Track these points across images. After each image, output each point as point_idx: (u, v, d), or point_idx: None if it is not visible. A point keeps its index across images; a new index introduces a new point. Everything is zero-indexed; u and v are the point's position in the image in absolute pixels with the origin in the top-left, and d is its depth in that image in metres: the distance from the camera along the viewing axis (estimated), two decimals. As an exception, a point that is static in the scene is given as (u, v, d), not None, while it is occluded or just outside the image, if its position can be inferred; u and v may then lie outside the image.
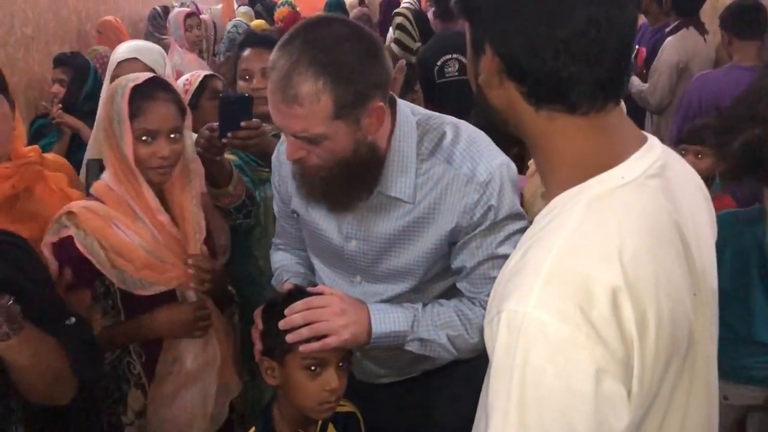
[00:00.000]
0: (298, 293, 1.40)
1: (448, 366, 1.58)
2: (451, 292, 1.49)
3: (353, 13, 6.45)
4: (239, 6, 7.64)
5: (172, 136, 1.67)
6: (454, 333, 1.41)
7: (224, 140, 1.87)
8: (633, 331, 0.76)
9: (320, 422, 1.45)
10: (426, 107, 1.54)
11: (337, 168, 1.34)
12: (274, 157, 1.65)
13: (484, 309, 1.38)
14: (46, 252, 1.63)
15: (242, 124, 1.88)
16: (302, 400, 1.37)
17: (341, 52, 1.24)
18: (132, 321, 1.69)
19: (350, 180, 1.36)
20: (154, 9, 5.51)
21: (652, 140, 0.90)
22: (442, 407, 1.62)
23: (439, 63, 4.23)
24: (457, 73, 4.18)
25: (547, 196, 0.90)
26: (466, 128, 1.44)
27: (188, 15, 4.91)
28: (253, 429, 1.44)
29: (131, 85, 1.65)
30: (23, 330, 1.22)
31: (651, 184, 0.85)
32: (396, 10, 5.68)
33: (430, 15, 5.16)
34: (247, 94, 1.99)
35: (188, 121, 1.75)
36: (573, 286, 0.76)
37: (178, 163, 1.72)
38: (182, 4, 5.87)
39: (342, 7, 6.71)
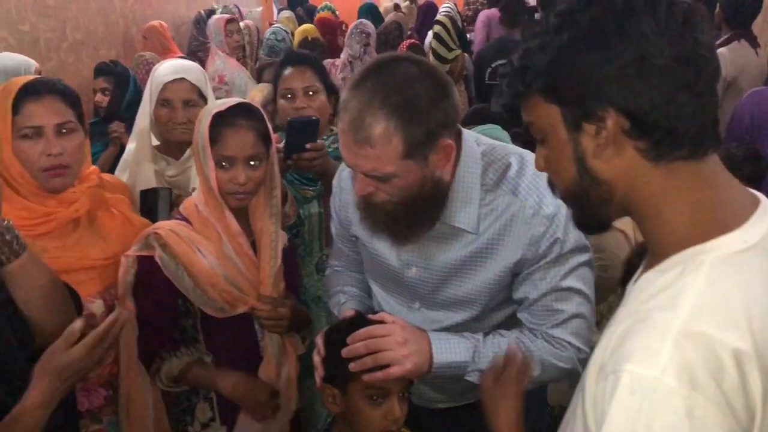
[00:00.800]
0: (359, 320, 1.41)
1: None
2: (512, 321, 1.49)
3: (387, 18, 6.44)
4: (280, 10, 7.69)
5: (251, 163, 1.69)
6: None
7: (290, 161, 1.90)
8: (758, 401, 0.75)
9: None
10: (470, 103, 1.55)
11: (402, 203, 1.35)
12: (335, 181, 1.66)
13: (546, 341, 1.40)
14: (126, 264, 1.69)
15: (308, 146, 1.92)
16: (364, 428, 1.38)
17: (412, 94, 1.25)
18: (208, 374, 1.73)
19: (414, 214, 1.37)
20: (199, 13, 5.57)
21: (764, 200, 0.89)
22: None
23: (493, 65, 4.50)
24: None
25: (655, 255, 0.89)
26: (531, 159, 1.43)
27: (228, 21, 4.96)
28: (312, 453, 1.46)
29: (214, 111, 1.69)
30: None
31: None
32: (436, 17, 5.67)
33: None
34: (313, 117, 2.02)
35: (272, 147, 1.77)
36: (703, 353, 0.75)
37: (259, 189, 1.75)
38: (225, 8, 5.93)
39: (375, 13, 6.71)
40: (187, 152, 2.15)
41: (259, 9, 7.18)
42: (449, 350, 1.39)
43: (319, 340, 1.44)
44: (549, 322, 1.40)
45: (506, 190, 1.39)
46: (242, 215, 1.77)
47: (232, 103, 1.73)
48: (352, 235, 1.60)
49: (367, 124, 1.24)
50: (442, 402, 1.62)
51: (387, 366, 1.33)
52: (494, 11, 6.43)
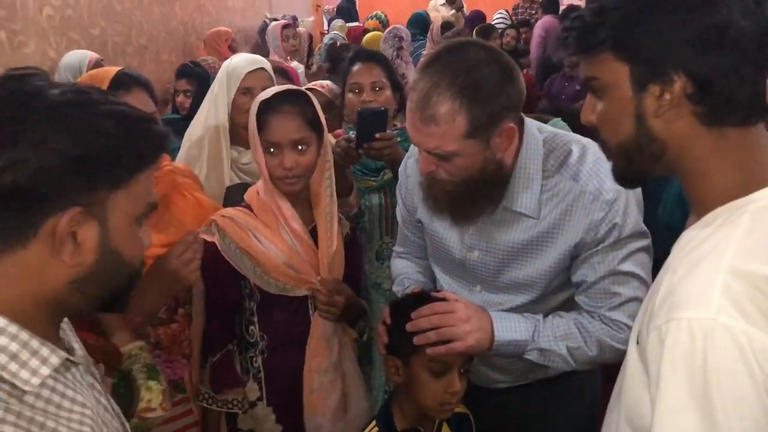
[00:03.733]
0: (424, 297, 1.48)
1: (562, 376, 1.61)
2: (570, 304, 1.54)
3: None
4: (330, 20, 7.85)
5: (299, 147, 1.72)
6: (573, 345, 1.45)
7: (361, 150, 1.98)
8: None
9: (437, 421, 1.52)
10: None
11: (463, 183, 1.41)
12: (401, 169, 1.73)
13: (603, 323, 1.44)
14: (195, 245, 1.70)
15: (377, 135, 1.99)
16: (424, 399, 1.44)
17: (479, 76, 1.31)
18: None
19: (475, 195, 1.43)
20: (264, 22, 5.75)
21: None
22: (553, 416, 1.67)
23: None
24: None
25: (698, 212, 0.95)
26: (593, 147, 1.48)
27: (285, 26, 5.14)
28: (374, 422, 1.52)
29: (261, 99, 1.74)
30: None
31: None
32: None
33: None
34: (383, 108, 2.08)
35: (325, 132, 1.79)
36: (752, 291, 0.80)
37: (310, 174, 1.77)
38: (283, 17, 6.10)
39: (425, 22, 6.80)
40: None
41: (311, 18, 7.35)
42: (510, 328, 1.44)
43: (386, 311, 1.51)
44: (606, 305, 1.45)
45: (567, 176, 1.44)
46: (304, 202, 1.81)
47: (275, 91, 1.76)
48: (417, 221, 1.67)
49: (433, 103, 1.31)
50: (501, 383, 1.67)
51: (450, 341, 1.39)
52: (551, 20, 6.49)
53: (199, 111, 2.41)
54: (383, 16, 6.92)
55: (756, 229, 0.85)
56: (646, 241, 1.45)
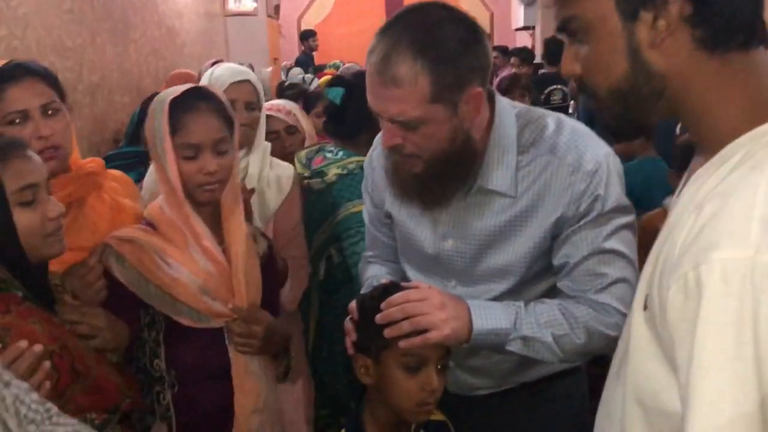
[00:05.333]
0: (394, 288, 1.34)
1: (546, 380, 1.49)
2: (551, 295, 1.42)
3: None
4: (288, 68, 7.84)
5: (220, 150, 1.54)
6: (559, 332, 1.32)
7: None
8: None
9: (413, 428, 1.37)
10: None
11: (431, 160, 1.31)
12: (366, 163, 1.62)
13: (590, 308, 1.33)
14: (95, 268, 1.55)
15: None
16: (399, 400, 1.29)
17: (441, 35, 1.23)
18: None
19: (444, 174, 1.33)
20: (208, 63, 5.69)
21: None
22: (539, 423, 1.53)
23: (546, 92, 5.51)
24: (560, 101, 5.59)
25: (708, 150, 0.84)
26: (568, 120, 1.40)
27: (213, 63, 5.08)
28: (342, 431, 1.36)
29: (170, 99, 1.53)
30: None
31: None
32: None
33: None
34: None
35: (236, 133, 1.61)
36: None
37: (228, 182, 1.59)
38: (240, 65, 6.05)
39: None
40: (243, 150, 2.04)
41: (269, 69, 7.33)
42: (489, 316, 1.31)
43: (352, 307, 1.37)
44: (592, 287, 1.33)
45: (544, 149, 1.35)
46: (210, 217, 1.60)
47: (184, 88, 1.56)
48: (386, 215, 1.55)
49: (393, 63, 1.21)
50: (483, 388, 1.53)
51: (425, 331, 1.26)
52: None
53: None
54: (341, 64, 6.95)
55: None
56: (630, 217, 1.35)
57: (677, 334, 0.75)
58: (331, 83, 2.28)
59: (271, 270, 1.75)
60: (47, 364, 1.16)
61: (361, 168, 2.03)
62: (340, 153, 2.10)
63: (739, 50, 0.82)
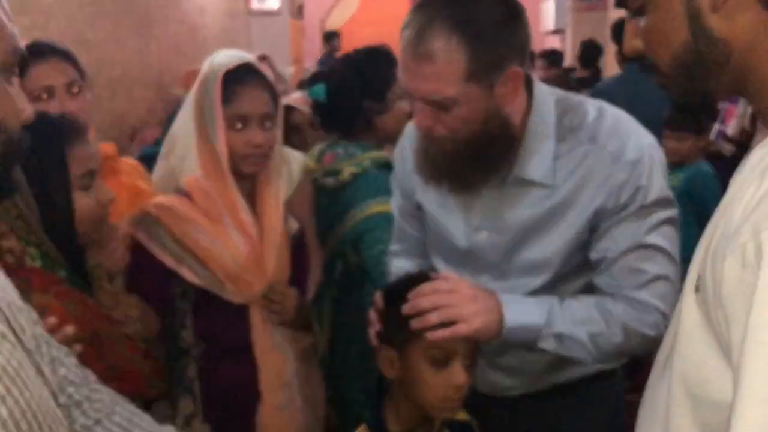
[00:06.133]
0: (422, 277, 1.28)
1: (581, 382, 1.42)
2: (587, 293, 1.34)
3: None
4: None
5: (266, 124, 1.57)
6: (595, 330, 1.25)
7: None
8: None
9: (437, 426, 1.30)
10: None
11: (464, 141, 1.24)
12: (397, 152, 1.56)
13: (628, 305, 1.25)
14: (122, 239, 1.55)
15: None
16: (424, 395, 1.22)
17: (479, 11, 1.17)
18: None
19: (477, 157, 1.26)
20: None
21: None
22: (571, 427, 1.45)
23: None
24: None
25: None
26: (610, 107, 1.33)
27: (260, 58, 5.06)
28: (363, 426, 1.29)
29: (223, 70, 1.56)
30: None
31: None
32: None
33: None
34: None
35: (280, 111, 1.65)
36: None
37: (271, 156, 1.62)
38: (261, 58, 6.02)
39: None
40: None
41: (291, 69, 7.31)
42: (522, 311, 1.24)
43: (378, 295, 1.31)
44: (631, 284, 1.26)
45: (584, 138, 1.28)
46: (250, 192, 1.63)
47: (238, 62, 1.59)
48: (416, 206, 1.49)
49: (427, 38, 1.16)
50: (514, 389, 1.45)
51: (453, 323, 1.19)
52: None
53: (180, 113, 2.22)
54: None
55: None
56: (673, 211, 1.27)
57: (732, 310, 0.69)
58: (311, 81, 2.23)
59: (302, 253, 1.75)
60: (78, 347, 1.15)
61: (377, 166, 1.97)
62: (351, 148, 2.03)
63: None
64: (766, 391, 0.64)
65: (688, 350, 0.79)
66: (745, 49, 0.77)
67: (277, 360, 1.62)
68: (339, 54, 8.89)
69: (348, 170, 2.01)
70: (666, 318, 1.25)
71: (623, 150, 1.24)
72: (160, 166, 2.18)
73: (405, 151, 1.51)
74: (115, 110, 4.12)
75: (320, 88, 2.12)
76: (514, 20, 1.20)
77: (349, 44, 9.76)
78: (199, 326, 1.58)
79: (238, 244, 1.57)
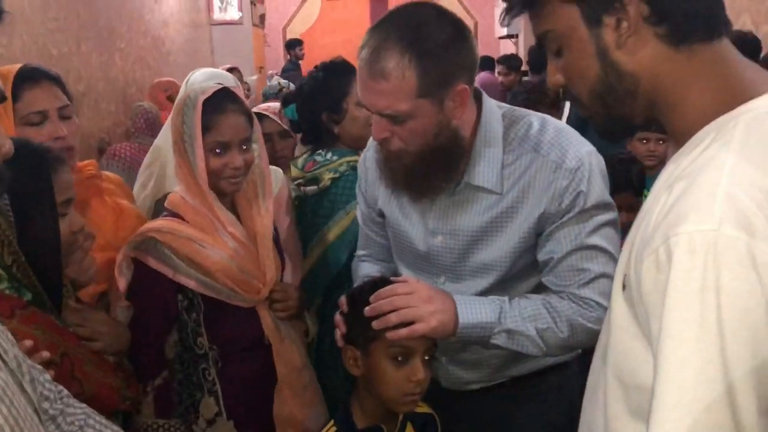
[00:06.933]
0: (383, 282, 1.38)
1: (538, 374, 1.53)
2: (536, 291, 1.45)
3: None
4: (270, 76, 7.88)
5: (243, 146, 1.68)
6: (542, 326, 1.36)
7: None
8: None
9: (400, 419, 1.39)
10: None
11: (419, 154, 1.35)
12: (360, 163, 1.67)
13: (573, 302, 1.36)
14: (121, 266, 1.64)
15: None
16: (386, 390, 1.32)
17: (429, 32, 1.28)
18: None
19: (432, 167, 1.37)
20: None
21: None
22: (529, 417, 1.55)
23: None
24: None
25: (681, 142, 0.88)
26: (552, 119, 1.44)
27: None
28: (332, 422, 1.39)
29: (202, 98, 1.65)
30: None
31: None
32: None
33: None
34: None
35: (257, 131, 1.76)
36: (756, 198, 0.73)
37: (250, 172, 1.73)
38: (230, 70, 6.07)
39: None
40: None
41: (255, 77, 7.36)
42: (475, 310, 1.34)
43: (343, 299, 1.40)
44: (575, 282, 1.37)
45: (528, 147, 1.39)
46: (231, 204, 1.74)
47: (214, 89, 1.68)
48: (379, 213, 1.59)
49: (382, 57, 1.26)
50: (474, 383, 1.55)
51: (411, 323, 1.29)
52: (487, 76, 6.73)
53: (163, 128, 2.30)
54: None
55: (752, 138, 0.79)
56: (612, 214, 1.39)
57: (651, 308, 0.79)
58: (284, 103, 2.40)
59: (279, 251, 1.87)
60: (51, 372, 1.19)
61: (353, 169, 2.07)
62: (329, 154, 2.14)
63: (703, 42, 0.86)
64: (678, 378, 0.74)
65: (619, 341, 0.89)
66: (651, 78, 0.88)
67: (289, 349, 1.75)
68: (302, 62, 8.97)
69: (327, 176, 2.12)
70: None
71: (564, 158, 1.36)
72: (141, 175, 2.26)
73: (367, 161, 1.62)
74: (81, 124, 4.13)
75: (291, 108, 2.29)
76: (462, 40, 1.31)
77: (310, 52, 9.86)
78: (212, 332, 1.68)
79: (237, 251, 1.68)
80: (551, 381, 1.55)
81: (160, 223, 1.68)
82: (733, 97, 0.84)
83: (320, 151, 2.18)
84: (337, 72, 2.18)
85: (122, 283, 1.65)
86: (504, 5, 0.99)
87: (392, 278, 1.40)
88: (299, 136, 2.62)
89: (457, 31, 1.30)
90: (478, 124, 1.40)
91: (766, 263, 0.71)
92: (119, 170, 3.41)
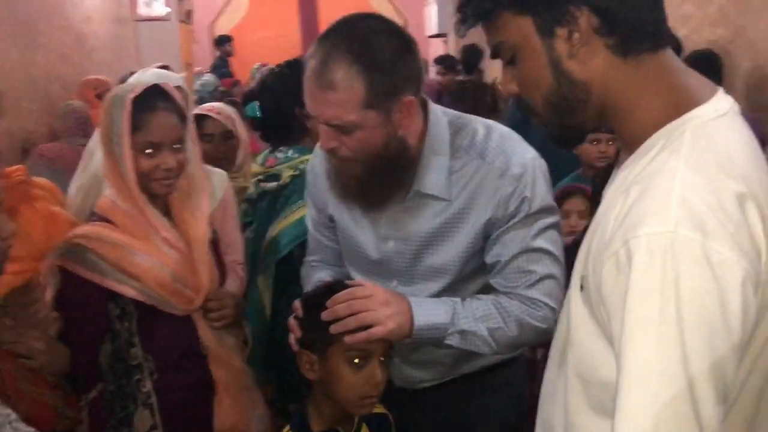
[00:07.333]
0: (338, 286, 1.40)
1: (487, 370, 1.58)
2: (485, 292, 1.50)
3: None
4: (197, 75, 7.74)
5: (175, 146, 1.62)
6: (493, 325, 1.41)
7: None
8: (761, 238, 0.80)
9: (356, 421, 1.42)
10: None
11: (368, 165, 1.37)
12: (309, 168, 1.68)
13: (521, 302, 1.42)
14: (46, 274, 1.59)
15: None
16: (344, 394, 1.34)
17: (376, 44, 1.30)
18: None
19: (382, 177, 1.39)
20: (125, 75, 5.54)
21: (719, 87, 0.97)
22: (480, 411, 1.61)
23: None
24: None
25: (632, 147, 0.94)
26: (497, 126, 1.49)
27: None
28: (288, 427, 1.40)
29: (131, 96, 1.58)
30: None
31: (738, 119, 0.92)
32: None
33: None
34: None
35: (192, 130, 1.72)
36: (708, 201, 0.79)
37: (182, 175, 1.67)
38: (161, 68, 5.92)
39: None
40: None
41: (183, 75, 7.20)
42: (429, 312, 1.38)
43: (297, 303, 1.41)
44: (522, 284, 1.42)
45: (474, 154, 1.43)
46: (164, 206, 1.68)
47: (145, 86, 1.62)
48: (329, 218, 1.60)
49: (329, 69, 1.28)
50: (427, 381, 1.59)
51: (369, 327, 1.31)
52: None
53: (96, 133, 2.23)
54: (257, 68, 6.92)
55: (701, 142, 0.86)
56: (555, 218, 1.45)
57: (612, 308, 0.84)
58: (245, 101, 2.40)
59: (218, 257, 1.83)
60: None
61: None
62: (290, 152, 2.16)
63: (649, 53, 0.92)
64: (640, 373, 0.79)
65: (578, 339, 0.94)
66: (601, 87, 0.94)
67: (227, 357, 1.71)
68: (232, 59, 8.83)
69: (287, 173, 2.14)
70: (554, 312, 1.42)
71: (509, 165, 1.41)
72: (78, 178, 2.20)
73: (316, 168, 1.63)
74: (2, 125, 3.97)
75: (254, 106, 2.28)
76: (409, 52, 1.34)
77: (240, 48, 9.73)
78: (146, 341, 1.63)
79: (171, 257, 1.63)
80: (500, 376, 1.60)
81: (88, 228, 1.62)
82: (679, 104, 0.90)
83: (282, 148, 2.19)
84: (301, 68, 2.21)
85: (49, 293, 1.59)
86: (458, 14, 1.01)
87: (348, 282, 1.42)
88: (243, 137, 2.62)
89: (404, 44, 1.33)
90: (425, 132, 1.43)
91: (719, 261, 0.77)
92: (46, 172, 3.29)
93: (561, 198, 2.41)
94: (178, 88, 2.13)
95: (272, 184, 2.15)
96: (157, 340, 1.64)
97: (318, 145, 1.61)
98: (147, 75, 2.16)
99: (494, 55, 1.01)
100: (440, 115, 1.47)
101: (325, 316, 1.32)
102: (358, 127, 1.32)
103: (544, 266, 1.42)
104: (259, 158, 2.30)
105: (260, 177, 2.22)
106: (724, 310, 0.77)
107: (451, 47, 8.33)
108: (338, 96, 1.29)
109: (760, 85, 3.58)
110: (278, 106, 2.20)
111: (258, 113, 2.28)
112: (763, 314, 0.82)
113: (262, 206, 2.21)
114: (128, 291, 1.59)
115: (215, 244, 1.82)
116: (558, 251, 1.45)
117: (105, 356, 1.63)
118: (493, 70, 7.11)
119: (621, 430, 0.80)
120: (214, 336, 1.71)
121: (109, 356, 1.63)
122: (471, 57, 6.19)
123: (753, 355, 0.83)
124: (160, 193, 1.63)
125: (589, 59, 0.92)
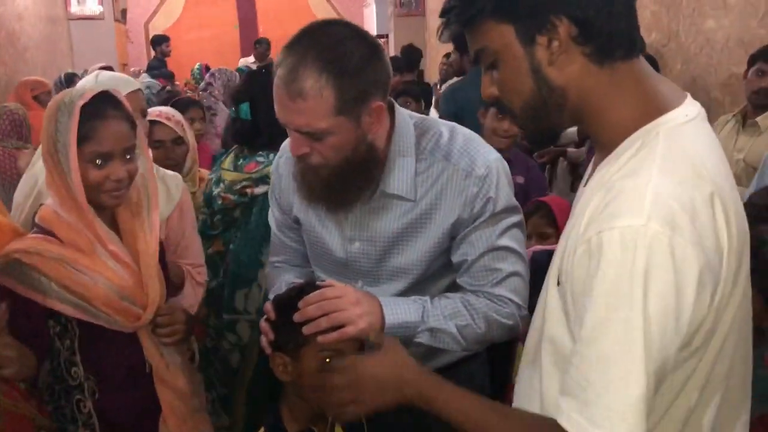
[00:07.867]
0: (309, 287, 1.41)
1: (453, 365, 1.61)
2: (452, 291, 1.53)
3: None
4: (135, 75, 7.58)
5: (127, 156, 1.55)
6: (462, 323, 1.44)
7: None
8: (724, 238, 0.87)
9: (330, 420, 1.43)
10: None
11: (337, 167, 1.39)
12: (273, 169, 1.67)
13: (488, 300, 1.46)
14: None
15: None
16: (318, 394, 1.35)
17: (344, 51, 1.31)
18: None
19: (349, 180, 1.41)
20: (60, 76, 5.38)
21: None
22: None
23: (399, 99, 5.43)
24: (414, 110, 5.86)
25: (607, 148, 1.00)
26: (460, 128, 1.53)
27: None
28: (262, 429, 1.40)
29: (80, 103, 1.48)
30: None
31: (705, 124, 0.99)
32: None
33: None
34: None
35: (142, 138, 1.64)
36: (680, 199, 0.86)
37: (132, 184, 1.60)
38: (85, 72, 5.76)
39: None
40: None
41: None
42: (400, 311, 1.41)
43: (269, 306, 1.42)
44: (489, 282, 1.47)
45: (439, 156, 1.47)
46: (111, 218, 1.60)
47: (93, 93, 1.52)
48: (294, 220, 1.61)
49: (299, 77, 1.29)
50: None
51: (341, 326, 1.33)
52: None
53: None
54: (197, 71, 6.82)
55: (673, 145, 0.92)
56: (518, 217, 1.50)
57: (578, 287, 0.91)
58: (237, 100, 2.30)
59: (164, 263, 1.76)
60: None
61: None
62: (271, 155, 2.14)
63: (623, 60, 0.98)
64: (602, 353, 0.87)
65: (552, 329, 1.01)
66: (578, 92, 0.99)
67: (173, 375, 1.65)
68: (169, 58, 8.66)
69: None
70: (519, 308, 1.47)
71: (473, 166, 1.45)
72: (24, 184, 2.13)
73: (281, 168, 1.63)
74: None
75: (246, 107, 2.21)
76: (377, 58, 1.36)
77: (176, 48, 9.54)
78: (88, 360, 1.56)
79: (118, 273, 1.56)
80: (464, 371, 1.64)
81: (28, 242, 1.53)
82: (651, 110, 0.97)
83: (261, 152, 2.17)
84: None
85: None
86: (441, 22, 1.05)
87: (319, 283, 1.43)
88: (192, 142, 2.58)
89: (372, 50, 1.35)
90: (392, 134, 1.46)
91: (681, 255, 0.84)
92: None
93: None
94: (138, 92, 2.10)
95: (262, 187, 2.12)
96: (100, 359, 1.56)
97: (283, 145, 1.62)
98: (102, 78, 2.10)
99: (475, 60, 1.05)
100: (406, 117, 1.50)
101: (297, 317, 1.33)
102: (329, 134, 1.33)
103: (510, 264, 1.47)
104: (227, 164, 2.24)
105: (244, 183, 2.17)
106: (679, 303, 0.84)
107: (391, 48, 8.40)
108: (308, 104, 1.30)
109: (692, 86, 3.76)
110: (265, 110, 2.13)
111: (249, 116, 2.22)
112: (716, 326, 0.90)
113: (253, 212, 2.17)
114: (71, 311, 1.52)
115: (161, 257, 1.73)
116: (522, 249, 1.49)
117: (43, 375, 1.55)
118: (430, 69, 7.20)
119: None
120: (160, 354, 1.64)
121: (47, 375, 1.55)
122: (411, 56, 6.25)
123: (702, 370, 0.93)
124: (108, 205, 1.56)
125: (567, 66, 0.97)
